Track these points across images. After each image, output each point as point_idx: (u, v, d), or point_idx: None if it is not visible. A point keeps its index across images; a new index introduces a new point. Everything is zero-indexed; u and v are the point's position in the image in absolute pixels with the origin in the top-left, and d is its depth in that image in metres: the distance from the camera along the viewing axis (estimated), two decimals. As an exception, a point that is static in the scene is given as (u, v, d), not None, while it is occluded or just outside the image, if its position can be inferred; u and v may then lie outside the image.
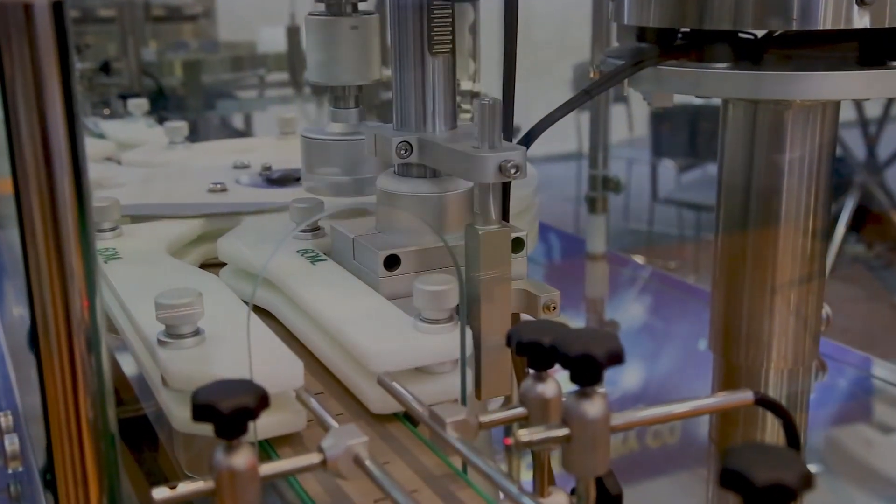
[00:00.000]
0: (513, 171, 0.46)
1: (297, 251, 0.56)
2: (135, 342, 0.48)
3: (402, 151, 0.51)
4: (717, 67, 0.53)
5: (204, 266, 0.62)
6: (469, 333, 0.46)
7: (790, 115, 0.55)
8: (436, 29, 0.51)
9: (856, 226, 2.54)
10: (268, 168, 0.77)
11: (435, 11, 0.51)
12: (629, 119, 3.13)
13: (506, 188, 0.50)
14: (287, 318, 0.53)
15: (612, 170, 1.31)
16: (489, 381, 0.48)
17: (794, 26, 0.50)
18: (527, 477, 0.39)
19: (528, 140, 0.52)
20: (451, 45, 0.52)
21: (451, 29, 0.52)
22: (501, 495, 0.33)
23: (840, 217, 2.43)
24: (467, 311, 0.48)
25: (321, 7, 0.61)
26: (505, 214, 0.49)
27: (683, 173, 2.92)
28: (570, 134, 3.04)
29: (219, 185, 0.72)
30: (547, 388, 0.36)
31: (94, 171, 0.82)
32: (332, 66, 0.61)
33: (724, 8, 0.51)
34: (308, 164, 0.62)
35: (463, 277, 0.43)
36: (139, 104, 1.12)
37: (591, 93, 0.54)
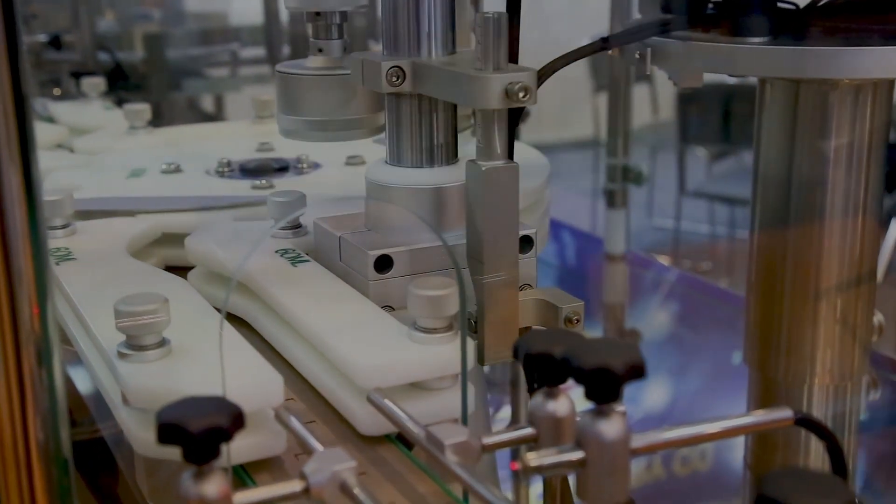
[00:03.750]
0: (521, 94, 0.46)
1: (276, 251, 0.56)
2: (91, 355, 0.48)
3: (394, 78, 0.51)
4: (754, 42, 0.53)
5: (170, 268, 0.62)
6: (471, 344, 0.46)
7: (837, 95, 0.56)
8: None
9: (912, 222, 2.54)
10: (227, 164, 0.76)
11: None
12: (653, 101, 3.13)
13: (512, 119, 0.49)
14: (265, 328, 0.53)
15: (634, 159, 1.31)
16: (493, 341, 0.48)
17: (841, -5, 0.50)
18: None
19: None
20: None
21: None
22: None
23: (895, 212, 2.43)
24: (468, 319, 0.48)
25: None
26: (510, 152, 0.49)
27: (715, 162, 2.92)
28: (585, 118, 3.04)
29: (172, 166, 0.72)
30: (559, 406, 0.36)
31: (44, 159, 0.82)
32: None
33: (760, -26, 0.51)
34: (285, 103, 0.62)
35: (464, 280, 0.43)
36: (94, 83, 1.12)
37: (610, 43, 0.54)
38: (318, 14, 0.61)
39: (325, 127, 0.60)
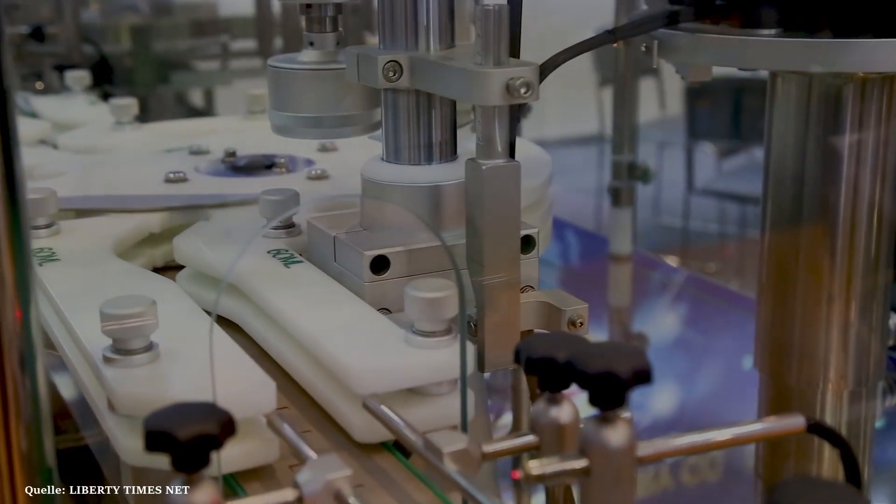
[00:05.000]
0: (523, 90, 0.46)
1: (269, 252, 0.56)
2: (76, 360, 0.48)
3: (391, 73, 0.52)
4: (765, 34, 0.53)
5: (158, 269, 0.62)
6: (471, 348, 0.46)
7: (851, 90, 0.56)
8: None
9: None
10: (232, 154, 0.77)
11: None
12: (660, 95, 3.13)
13: (514, 115, 0.49)
14: (256, 331, 0.53)
15: (641, 155, 1.31)
16: (494, 346, 0.48)
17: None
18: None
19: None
20: None
21: None
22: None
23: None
24: (468, 322, 0.49)
25: None
26: (511, 151, 0.49)
27: (724, 159, 2.92)
28: (590, 113, 3.04)
29: (178, 175, 0.72)
30: (562, 413, 0.36)
31: (27, 156, 0.82)
32: None
33: (771, -37, 0.51)
34: (277, 99, 0.62)
35: (463, 282, 0.43)
36: (79, 77, 1.12)
37: (617, 35, 0.54)
38: (310, 6, 0.61)
39: (318, 124, 0.60)
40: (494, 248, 0.48)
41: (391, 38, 0.53)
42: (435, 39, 0.53)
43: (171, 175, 0.72)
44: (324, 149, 0.80)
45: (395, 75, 0.52)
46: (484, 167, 0.47)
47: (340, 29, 0.61)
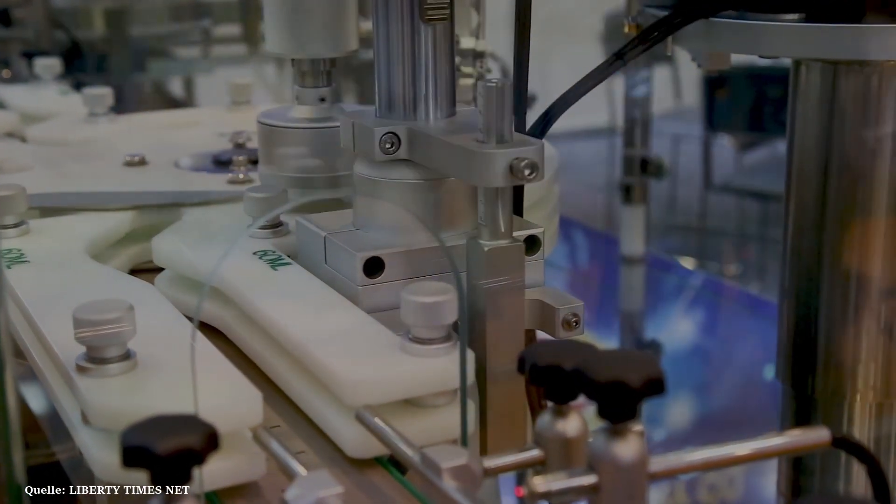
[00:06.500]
0: (527, 171, 0.46)
1: (255, 253, 0.57)
2: (47, 369, 0.49)
3: (388, 145, 0.52)
4: (787, 20, 0.54)
5: (135, 272, 0.62)
6: (471, 356, 0.46)
7: (879, 79, 0.56)
8: None
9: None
10: (241, 145, 0.78)
11: None
12: (675, 84, 3.13)
13: (518, 194, 0.50)
14: (241, 338, 0.53)
15: (654, 149, 1.32)
16: (498, 426, 0.49)
17: (884, -33, 0.50)
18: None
19: (545, 123, 0.52)
20: (448, 11, 0.52)
21: None
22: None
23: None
24: (469, 329, 0.49)
25: None
26: (518, 208, 0.50)
27: (744, 153, 2.93)
28: (600, 103, 3.04)
29: (136, 157, 0.72)
30: (569, 425, 0.36)
31: (-6, 150, 0.82)
32: (298, 34, 0.61)
33: (794, -56, 0.51)
34: (267, 156, 0.63)
35: (463, 286, 0.43)
36: (49, 65, 1.12)
37: (626, 57, 0.54)
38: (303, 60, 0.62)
39: (306, 183, 0.61)
40: (497, 331, 0.48)
41: (388, 106, 0.53)
42: (434, 108, 0.53)
43: (129, 157, 0.73)
44: None
45: (392, 147, 0.52)
46: (486, 248, 0.48)
47: (333, 84, 0.62)
